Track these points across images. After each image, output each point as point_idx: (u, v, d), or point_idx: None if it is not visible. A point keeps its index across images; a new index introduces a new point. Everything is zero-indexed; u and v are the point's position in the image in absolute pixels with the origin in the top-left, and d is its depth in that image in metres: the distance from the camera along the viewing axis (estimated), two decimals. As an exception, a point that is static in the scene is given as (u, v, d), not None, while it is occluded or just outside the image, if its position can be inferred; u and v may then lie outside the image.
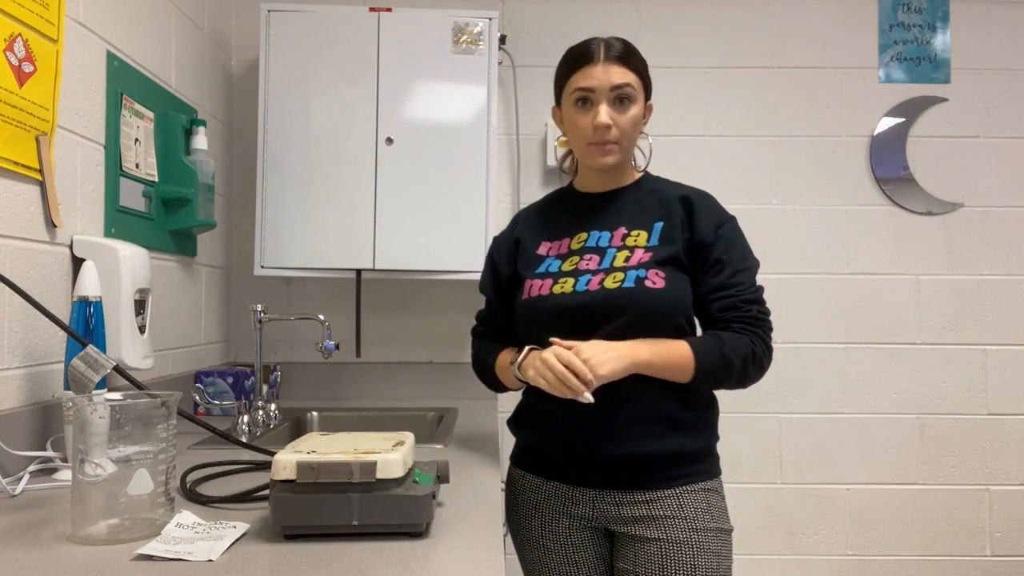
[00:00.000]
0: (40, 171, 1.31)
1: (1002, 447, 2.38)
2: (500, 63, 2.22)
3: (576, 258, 1.33)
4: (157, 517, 0.92)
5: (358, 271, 2.12)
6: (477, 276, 1.58)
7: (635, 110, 1.31)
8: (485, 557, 0.86)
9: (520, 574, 1.43)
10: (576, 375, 1.17)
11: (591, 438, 1.27)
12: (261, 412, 1.78)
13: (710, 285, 1.29)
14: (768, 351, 1.28)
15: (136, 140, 1.67)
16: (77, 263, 1.40)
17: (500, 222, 1.86)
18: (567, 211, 1.42)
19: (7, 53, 1.22)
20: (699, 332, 1.34)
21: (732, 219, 1.35)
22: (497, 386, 1.46)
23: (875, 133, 2.40)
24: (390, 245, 2.08)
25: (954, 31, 2.41)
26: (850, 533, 2.37)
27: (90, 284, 1.29)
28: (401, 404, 2.20)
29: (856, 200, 2.40)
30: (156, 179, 1.78)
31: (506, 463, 1.47)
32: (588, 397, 1.17)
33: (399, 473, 0.92)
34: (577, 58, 1.31)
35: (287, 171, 2.08)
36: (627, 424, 1.26)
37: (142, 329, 1.48)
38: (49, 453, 1.26)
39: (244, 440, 1.42)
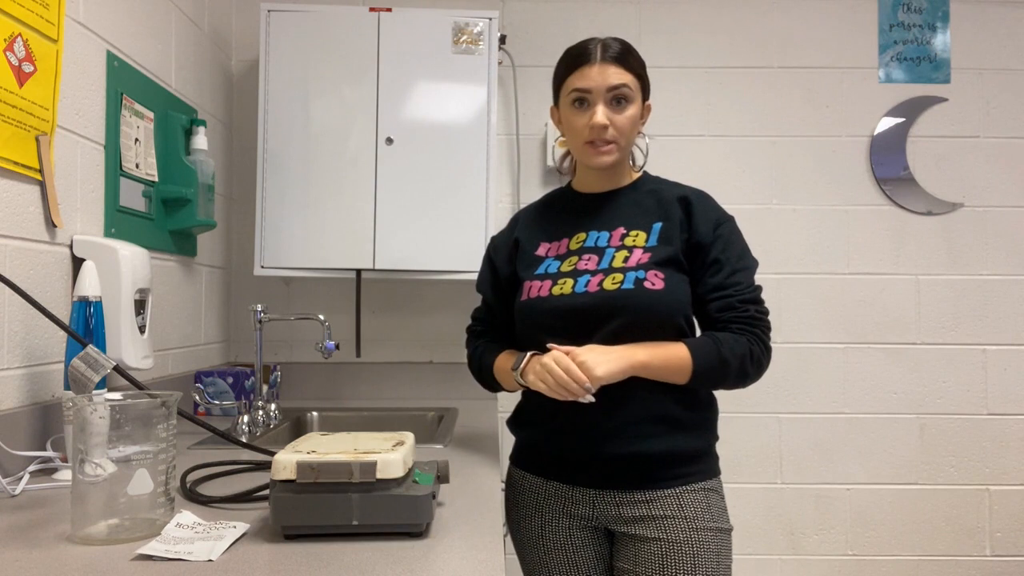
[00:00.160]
0: (40, 171, 1.31)
1: (1002, 447, 2.38)
2: (500, 63, 2.22)
3: (575, 258, 1.33)
4: (157, 517, 0.92)
5: (358, 271, 2.12)
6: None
7: (632, 110, 1.31)
8: (485, 557, 0.86)
9: (520, 574, 1.43)
10: (574, 379, 1.17)
11: (591, 438, 1.27)
12: (261, 412, 1.78)
13: (708, 285, 1.29)
14: (766, 351, 1.28)
15: (136, 140, 1.68)
16: (77, 263, 1.40)
17: (500, 222, 1.86)
18: (566, 211, 1.42)
19: (7, 53, 1.22)
20: (698, 332, 1.34)
21: (730, 219, 1.35)
22: (494, 387, 1.46)
23: (875, 133, 2.40)
24: (390, 245, 2.08)
25: (954, 31, 2.41)
26: (850, 533, 2.37)
27: (90, 284, 1.29)
28: (401, 404, 2.20)
29: (856, 200, 2.40)
30: (156, 179, 1.78)
31: (506, 463, 1.47)
32: (589, 398, 1.19)
33: (399, 473, 0.92)
34: (574, 59, 1.31)
35: (287, 171, 2.08)
36: (627, 424, 1.26)
37: (142, 329, 1.49)
38: (49, 453, 1.26)
39: (244, 440, 1.42)
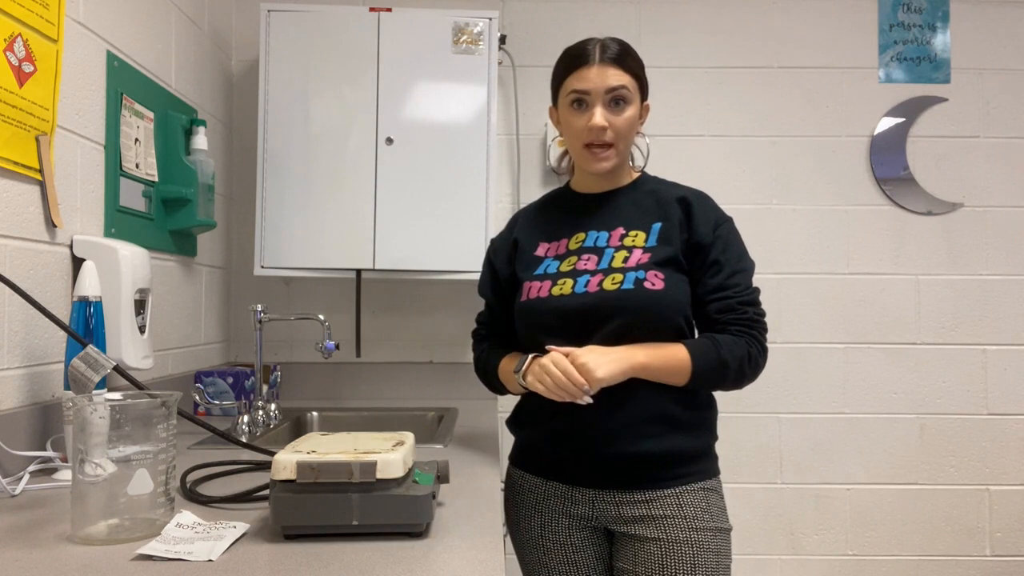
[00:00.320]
0: (40, 171, 1.31)
1: (1002, 447, 2.38)
2: (500, 63, 2.22)
3: (574, 258, 1.33)
4: (157, 517, 0.92)
5: (358, 271, 2.12)
6: (477, 276, 1.58)
7: (631, 111, 1.31)
8: (485, 557, 0.86)
9: (520, 574, 1.43)
10: (572, 381, 1.18)
11: (591, 438, 1.27)
12: (261, 412, 1.78)
13: (708, 286, 1.29)
14: (763, 352, 1.28)
15: (136, 140, 1.68)
16: (77, 263, 1.40)
17: (500, 222, 1.86)
18: (565, 211, 1.42)
19: (7, 53, 1.22)
20: (697, 332, 1.34)
21: (729, 220, 1.35)
22: (500, 390, 1.46)
23: (875, 133, 2.40)
24: (390, 245, 2.08)
25: (954, 31, 2.41)
26: (850, 533, 2.37)
27: (90, 284, 1.29)
28: (401, 404, 2.20)
29: (856, 200, 2.40)
30: (156, 179, 1.78)
31: (506, 463, 1.47)
32: (586, 399, 1.19)
33: (399, 473, 0.92)
34: (573, 59, 1.31)
35: (287, 171, 2.08)
36: (626, 424, 1.26)
37: (142, 329, 1.49)
38: (49, 453, 1.26)
39: (244, 440, 1.42)
